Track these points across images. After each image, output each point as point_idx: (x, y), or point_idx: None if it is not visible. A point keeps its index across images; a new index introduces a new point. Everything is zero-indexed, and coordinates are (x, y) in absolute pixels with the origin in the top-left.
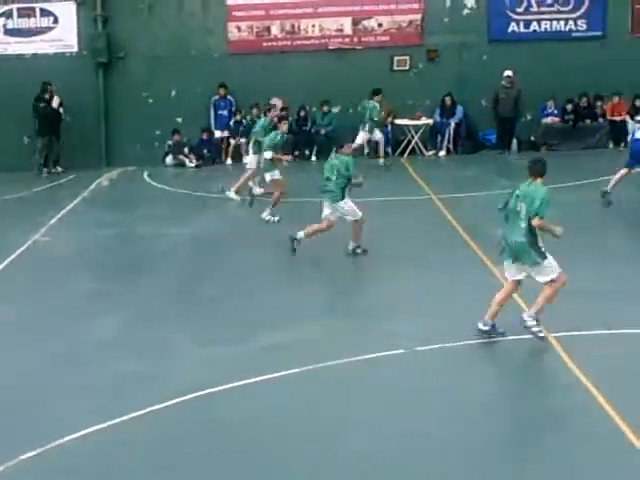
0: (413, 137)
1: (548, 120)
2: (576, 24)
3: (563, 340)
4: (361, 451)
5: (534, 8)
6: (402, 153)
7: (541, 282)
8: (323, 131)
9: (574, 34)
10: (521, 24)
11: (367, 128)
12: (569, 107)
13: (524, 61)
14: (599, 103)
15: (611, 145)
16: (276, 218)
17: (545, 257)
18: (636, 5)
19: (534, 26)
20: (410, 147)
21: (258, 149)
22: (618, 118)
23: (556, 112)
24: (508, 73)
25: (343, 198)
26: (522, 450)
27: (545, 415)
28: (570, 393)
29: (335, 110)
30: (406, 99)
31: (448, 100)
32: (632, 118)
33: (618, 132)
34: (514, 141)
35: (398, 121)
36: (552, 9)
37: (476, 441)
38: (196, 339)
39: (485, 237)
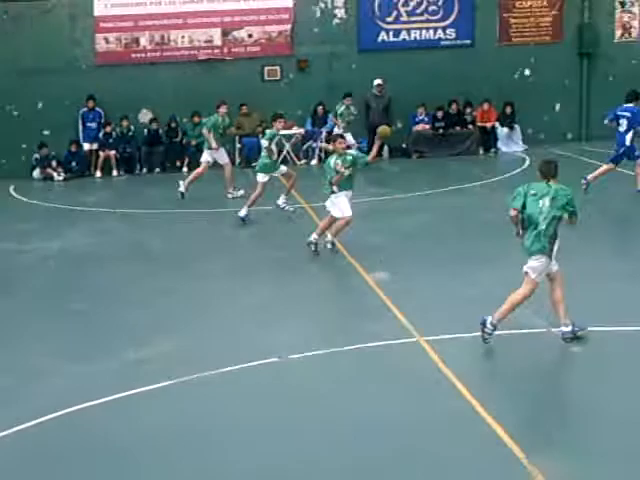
0: (284, 147)
1: (419, 128)
2: (445, 33)
3: (436, 343)
4: (244, 461)
5: (404, 17)
6: None
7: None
8: (194, 142)
9: (443, 42)
10: (391, 33)
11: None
12: (439, 114)
13: (394, 70)
14: (469, 110)
15: (481, 151)
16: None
17: (551, 259)
18: (503, 14)
19: (404, 35)
20: (281, 157)
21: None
22: (488, 125)
23: (426, 119)
24: (378, 82)
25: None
26: (405, 455)
27: (422, 420)
28: (444, 397)
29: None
30: (277, 109)
31: (320, 109)
32: (502, 125)
33: (487, 138)
34: (385, 149)
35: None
36: (421, 18)
37: (359, 446)
38: (62, 355)
39: (358, 245)
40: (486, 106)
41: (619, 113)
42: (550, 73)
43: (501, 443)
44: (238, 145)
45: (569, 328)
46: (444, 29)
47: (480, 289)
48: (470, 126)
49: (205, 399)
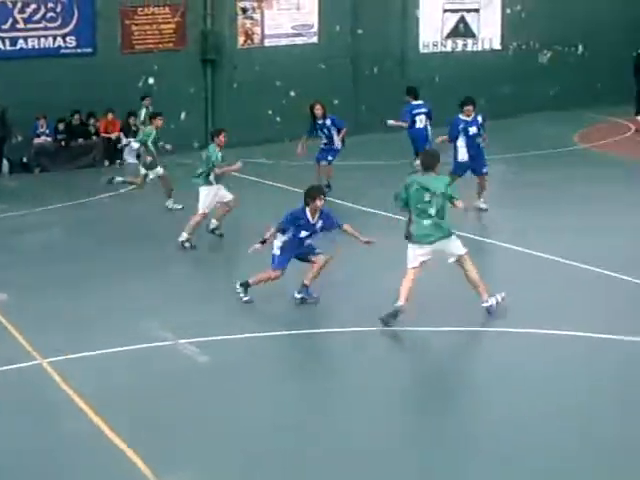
0: None
1: (40, 140)
2: (65, 41)
3: (59, 364)
4: None
5: (20, 25)
6: None
7: (455, 253)
8: None
9: (63, 51)
10: (7, 41)
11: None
12: (61, 126)
13: (12, 80)
14: (92, 121)
15: (107, 163)
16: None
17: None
18: (126, 21)
19: (21, 43)
20: None
21: None
22: (112, 135)
23: (48, 131)
24: None
25: (205, 184)
26: None
27: (47, 446)
28: (70, 420)
29: None
30: None
31: None
32: (126, 135)
33: (113, 149)
34: (5, 163)
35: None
36: (39, 25)
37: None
38: None
39: None
40: (110, 116)
41: (415, 111)
42: (175, 81)
43: (131, 465)
44: None
45: (489, 303)
46: (64, 37)
47: (100, 306)
48: (94, 137)
49: None
